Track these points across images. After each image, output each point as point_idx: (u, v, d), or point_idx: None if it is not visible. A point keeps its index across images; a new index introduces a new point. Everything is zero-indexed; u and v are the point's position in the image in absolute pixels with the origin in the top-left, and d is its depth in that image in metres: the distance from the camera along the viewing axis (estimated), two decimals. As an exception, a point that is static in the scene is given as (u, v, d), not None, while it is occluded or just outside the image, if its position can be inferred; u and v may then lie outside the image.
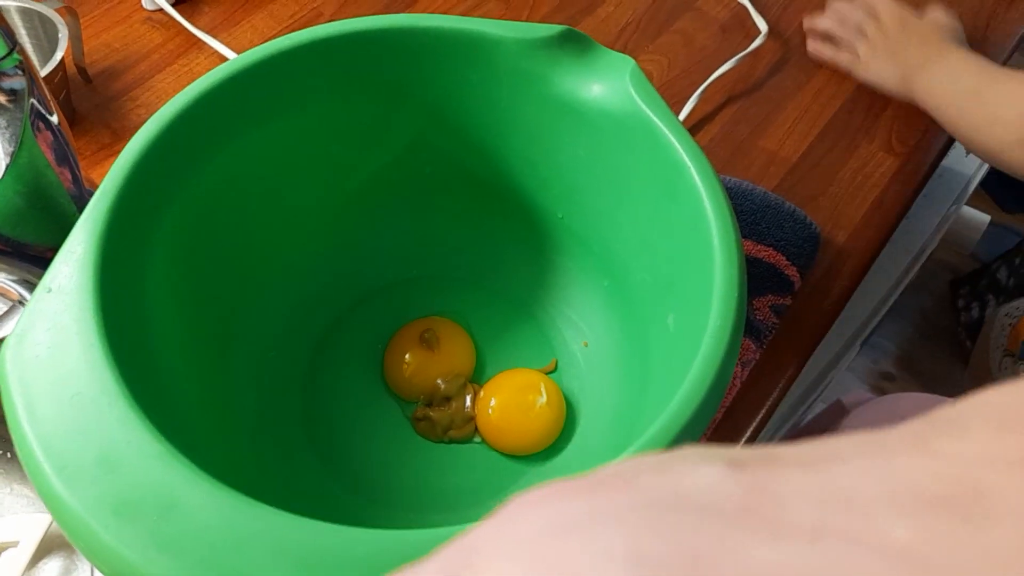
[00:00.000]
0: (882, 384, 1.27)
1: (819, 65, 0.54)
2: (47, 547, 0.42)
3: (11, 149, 0.28)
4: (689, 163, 0.29)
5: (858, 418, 0.81)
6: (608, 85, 0.32)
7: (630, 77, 0.31)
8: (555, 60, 0.33)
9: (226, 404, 0.33)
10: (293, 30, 0.34)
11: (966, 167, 0.61)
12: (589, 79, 0.32)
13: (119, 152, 0.46)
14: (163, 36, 0.52)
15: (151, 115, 0.28)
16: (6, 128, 0.27)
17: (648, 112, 0.30)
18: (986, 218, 0.89)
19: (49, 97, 0.32)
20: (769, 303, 0.40)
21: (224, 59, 0.50)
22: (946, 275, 1.34)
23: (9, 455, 0.44)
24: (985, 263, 1.32)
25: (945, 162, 0.57)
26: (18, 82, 0.28)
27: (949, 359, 1.28)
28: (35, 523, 0.41)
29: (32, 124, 0.30)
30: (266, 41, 0.32)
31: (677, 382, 0.26)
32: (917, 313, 1.31)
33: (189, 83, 0.29)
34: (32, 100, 0.30)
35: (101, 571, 0.21)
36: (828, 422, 0.80)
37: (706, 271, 0.27)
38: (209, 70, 0.30)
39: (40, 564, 0.41)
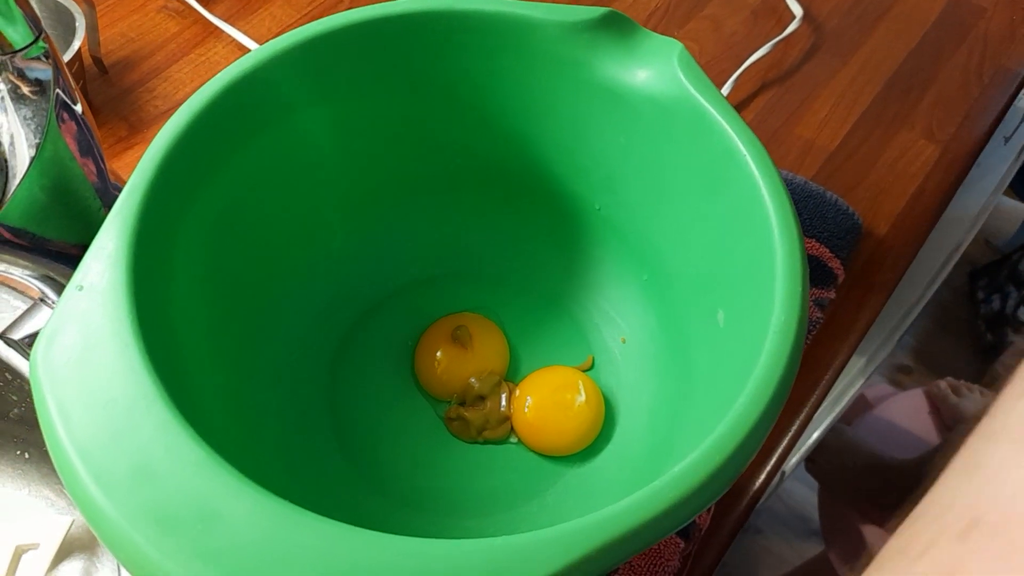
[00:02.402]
0: (899, 377, 1.25)
1: (855, 50, 0.52)
2: (67, 549, 0.41)
3: (36, 141, 0.26)
4: (744, 150, 0.27)
5: (882, 413, 0.80)
6: (654, 70, 0.30)
7: (678, 61, 0.30)
8: (596, 44, 0.31)
9: (253, 407, 0.32)
10: (313, 18, 0.32)
11: (1003, 156, 0.60)
12: (633, 64, 0.31)
13: (136, 145, 0.45)
14: (179, 25, 0.50)
15: (168, 106, 0.27)
16: (31, 119, 0.26)
17: (699, 97, 0.29)
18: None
19: (73, 86, 0.31)
20: (813, 297, 0.39)
21: (242, 47, 0.49)
22: (964, 266, 1.33)
23: (27, 455, 0.43)
24: (1005, 254, 1.30)
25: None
26: (44, 71, 0.26)
27: (968, 352, 1.26)
28: (55, 525, 0.40)
29: (57, 115, 0.29)
30: (285, 29, 0.31)
31: (733, 381, 0.25)
32: (935, 305, 1.29)
33: (207, 73, 0.28)
34: (58, 90, 0.29)
35: (139, 583, 0.20)
36: (853, 416, 0.79)
37: (764, 264, 0.26)
38: (226, 59, 0.29)
39: (61, 566, 0.40)
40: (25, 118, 0.25)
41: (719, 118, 0.28)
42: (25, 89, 0.25)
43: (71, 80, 0.31)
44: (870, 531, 0.72)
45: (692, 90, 0.29)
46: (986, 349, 1.25)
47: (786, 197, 0.27)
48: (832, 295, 0.40)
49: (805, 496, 1.09)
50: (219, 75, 0.28)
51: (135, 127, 0.46)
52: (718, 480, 0.21)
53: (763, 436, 0.23)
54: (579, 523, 0.20)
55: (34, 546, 0.40)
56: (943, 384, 0.79)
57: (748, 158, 0.27)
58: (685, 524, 0.22)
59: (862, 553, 0.72)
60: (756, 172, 0.27)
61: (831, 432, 0.66)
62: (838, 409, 0.52)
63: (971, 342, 1.28)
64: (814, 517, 1.04)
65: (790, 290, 0.24)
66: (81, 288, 0.23)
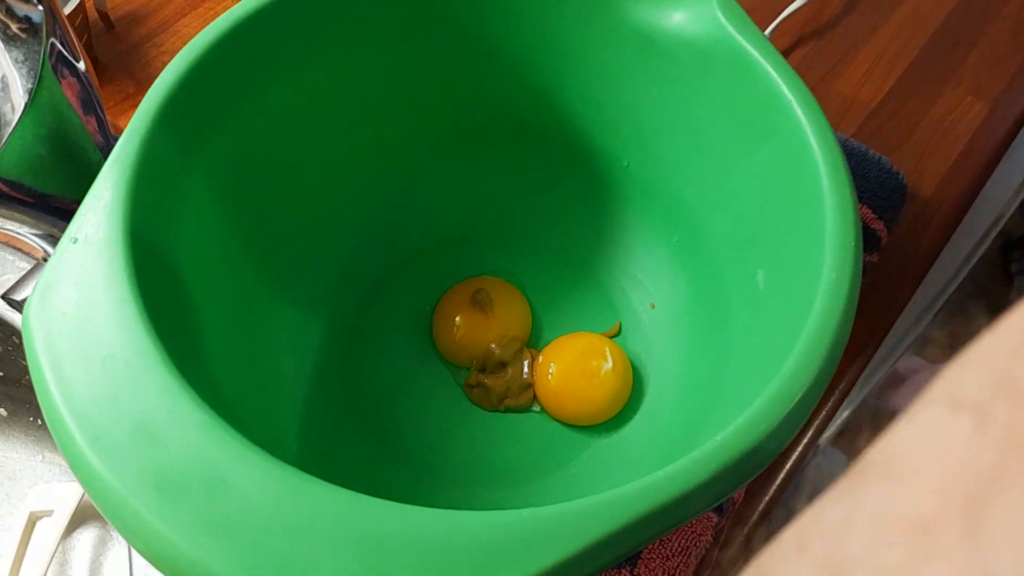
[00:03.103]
0: (929, 351, 1.22)
1: (898, 3, 0.49)
2: (81, 516, 0.40)
3: (29, 86, 0.25)
4: (791, 96, 0.25)
5: (914, 385, 0.77)
6: (691, 11, 0.28)
7: (717, 1, 0.27)
8: (628, -17, 0.29)
9: (266, 370, 0.31)
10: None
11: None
12: (668, 5, 0.29)
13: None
14: (188, -21, 0.48)
15: (173, 59, 0.25)
16: (23, 63, 0.24)
17: (741, 40, 0.26)
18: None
19: (75, 39, 0.30)
20: (854, 260, 0.37)
21: (253, 3, 0.46)
22: (998, 237, 1.28)
23: (40, 422, 0.43)
24: (1040, 225, 1.26)
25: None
26: (33, 12, 0.25)
27: (1001, 325, 1.22)
28: (69, 492, 0.40)
29: (55, 68, 0.27)
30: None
31: (775, 346, 0.23)
32: (967, 276, 1.25)
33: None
34: (53, 40, 0.27)
35: (141, 553, 0.19)
36: (887, 389, 0.77)
37: (812, 219, 0.24)
38: (238, 10, 0.27)
39: (75, 534, 0.40)
40: (16, 60, 0.23)
41: (764, 62, 0.26)
42: (14, 27, 0.23)
43: (71, 33, 0.29)
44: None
45: (733, 31, 0.27)
46: (1019, 323, 1.21)
47: (837, 148, 0.25)
48: (875, 258, 0.38)
49: (833, 470, 1.07)
50: (224, 15, 0.26)
51: (143, 83, 0.44)
52: (763, 450, 0.20)
53: (812, 404, 0.21)
54: (613, 494, 0.18)
55: (48, 513, 0.39)
56: None
57: (795, 104, 0.25)
58: (726, 497, 0.20)
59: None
60: (804, 120, 0.25)
61: (862, 406, 0.63)
62: (874, 381, 0.50)
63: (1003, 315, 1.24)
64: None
65: (842, 245, 0.22)
66: (76, 241, 0.21)
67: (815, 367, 0.21)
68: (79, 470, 0.19)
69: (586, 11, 0.30)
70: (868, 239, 0.37)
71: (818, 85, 0.45)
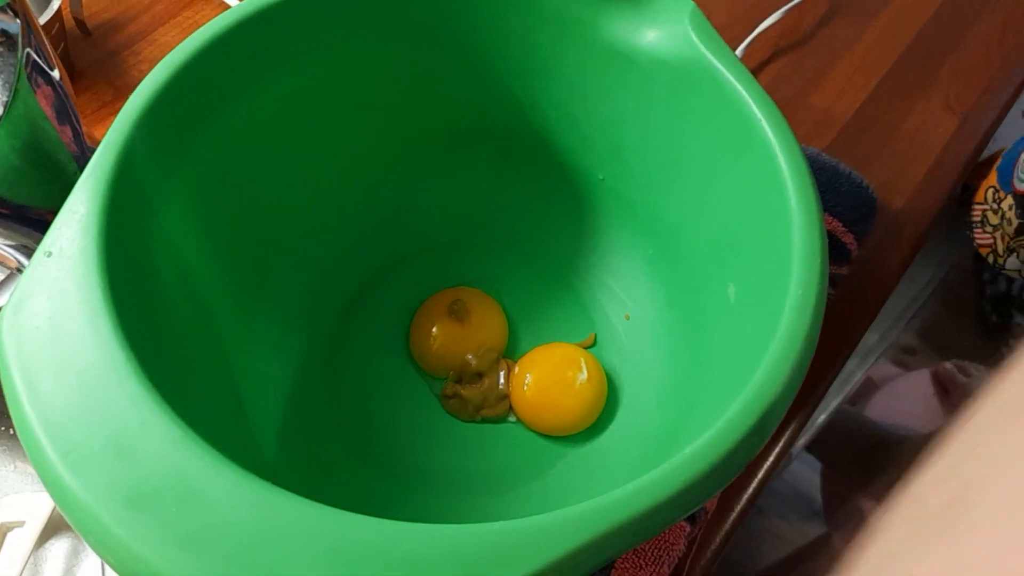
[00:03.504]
0: (904, 358, 1.24)
1: (873, 16, 0.50)
2: (54, 527, 0.40)
3: (4, 99, 0.25)
4: (760, 115, 0.26)
5: (888, 394, 0.79)
6: (664, 30, 0.29)
7: (690, 21, 0.28)
8: (604, 2, 0.29)
9: (244, 382, 0.31)
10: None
11: (1020, 130, 0.58)
12: (642, 24, 0.29)
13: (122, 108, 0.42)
14: (167, -14, 0.48)
15: (152, 70, 0.25)
16: (-3, 73, 0.24)
17: (712, 59, 0.27)
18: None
19: (49, 49, 0.29)
20: (825, 273, 0.38)
21: (233, 11, 0.46)
22: (970, 247, 1.31)
23: (12, 431, 0.42)
24: (1011, 236, 1.28)
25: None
26: (9, 24, 0.25)
27: (973, 333, 1.25)
28: (41, 503, 0.39)
29: (29, 77, 0.27)
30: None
31: (746, 359, 0.24)
32: (940, 285, 1.27)
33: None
34: (28, 49, 0.27)
35: (112, 567, 0.19)
36: (858, 397, 0.78)
37: (779, 235, 0.24)
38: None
39: (47, 544, 0.39)
40: (-9, 72, 0.23)
41: (734, 81, 0.27)
42: (-11, 39, 0.23)
43: (47, 43, 0.29)
44: (873, 510, 0.71)
45: (705, 51, 0.27)
46: (991, 330, 1.24)
47: (805, 165, 0.25)
48: (845, 271, 0.38)
49: (807, 476, 1.08)
50: (204, 27, 0.26)
51: (120, 91, 0.44)
52: (732, 462, 0.20)
53: (779, 417, 0.21)
54: (584, 507, 0.18)
55: (19, 524, 0.39)
56: (949, 365, 0.78)
57: (764, 124, 0.26)
58: (697, 508, 0.20)
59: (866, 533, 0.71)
60: (773, 139, 0.25)
61: (836, 413, 0.64)
62: (846, 390, 0.51)
63: (976, 323, 1.26)
64: (816, 497, 1.03)
65: (808, 265, 0.23)
66: (50, 254, 0.21)
67: (782, 380, 0.21)
68: (50, 483, 0.19)
69: (563, 25, 0.31)
70: (838, 252, 0.38)
71: (793, 98, 0.46)
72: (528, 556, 0.18)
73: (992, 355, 1.21)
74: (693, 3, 0.29)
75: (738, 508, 0.34)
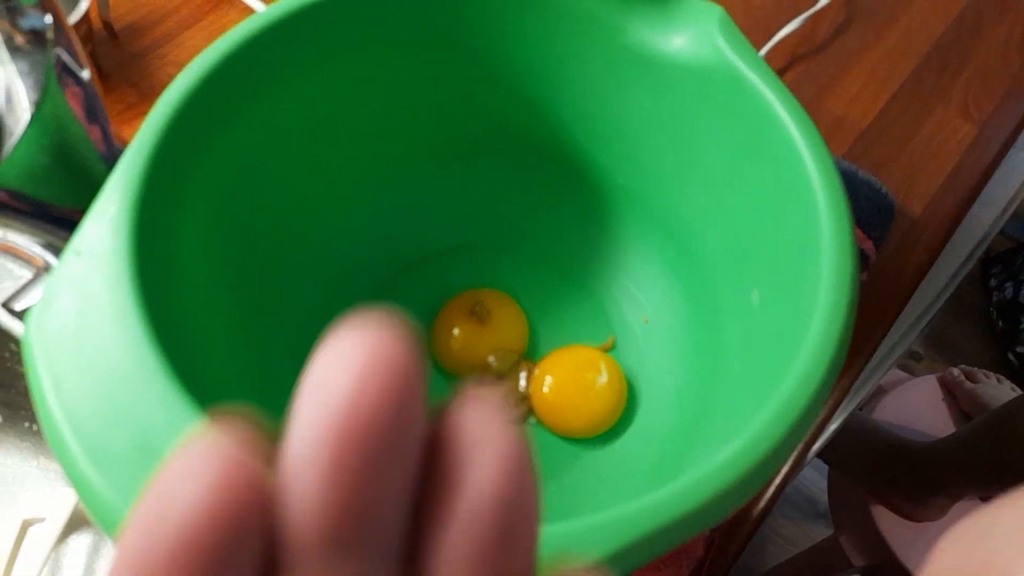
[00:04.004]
0: (910, 364, 1.23)
1: (890, 23, 0.50)
2: (75, 523, 0.40)
3: (35, 98, 0.25)
4: (789, 121, 0.26)
5: (896, 399, 0.78)
6: (691, 36, 0.29)
7: (719, 27, 0.28)
8: (629, 7, 0.29)
9: (263, 382, 0.31)
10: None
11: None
12: (669, 29, 0.29)
13: (146, 112, 0.43)
14: (190, -11, 0.49)
15: (180, 73, 0.26)
16: (29, 74, 0.24)
17: (741, 65, 0.27)
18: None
19: (79, 49, 0.30)
20: (844, 279, 0.37)
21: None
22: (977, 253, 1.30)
23: (35, 428, 0.43)
24: (1020, 241, 1.27)
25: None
26: (39, 22, 0.25)
27: (979, 339, 1.24)
28: (62, 499, 0.40)
29: (59, 77, 0.27)
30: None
31: (771, 365, 0.24)
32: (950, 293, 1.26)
33: (220, 37, 0.27)
34: (58, 50, 0.27)
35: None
36: (866, 401, 0.77)
37: (808, 240, 0.24)
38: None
39: (68, 540, 0.40)
40: (22, 72, 0.24)
41: (763, 87, 0.26)
42: (20, 39, 0.24)
43: (77, 43, 0.30)
44: (880, 514, 0.71)
45: (733, 57, 0.27)
46: (997, 337, 1.23)
47: (833, 169, 0.25)
48: (864, 277, 0.38)
49: (813, 479, 1.08)
50: (229, 32, 0.27)
51: (145, 93, 0.44)
52: (763, 470, 0.20)
53: (810, 425, 0.21)
54: (613, 514, 0.18)
55: (41, 520, 0.39)
56: (955, 371, 0.78)
57: (794, 130, 0.25)
58: (726, 516, 0.20)
59: (873, 535, 0.71)
60: (803, 145, 0.25)
61: (850, 418, 0.64)
62: (861, 395, 0.51)
63: (982, 329, 1.25)
64: (822, 499, 1.03)
65: (839, 268, 0.23)
66: (79, 253, 0.21)
67: (814, 388, 0.21)
68: (75, 481, 0.19)
69: (587, 29, 0.31)
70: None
71: (810, 104, 0.46)
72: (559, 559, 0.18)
73: (998, 361, 1.21)
74: (721, 9, 0.29)
75: (755, 514, 0.34)
